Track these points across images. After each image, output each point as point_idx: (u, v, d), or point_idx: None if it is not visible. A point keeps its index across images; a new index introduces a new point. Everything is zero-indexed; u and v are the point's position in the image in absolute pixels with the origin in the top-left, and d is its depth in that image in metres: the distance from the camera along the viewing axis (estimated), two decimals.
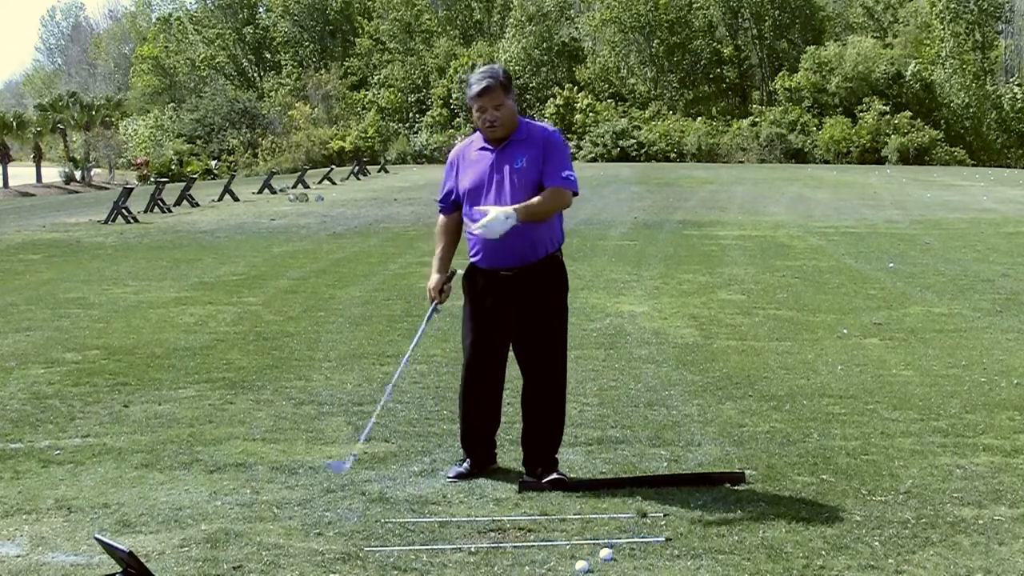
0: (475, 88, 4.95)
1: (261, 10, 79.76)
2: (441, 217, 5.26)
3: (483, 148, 5.07)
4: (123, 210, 22.36)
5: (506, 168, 4.96)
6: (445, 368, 7.59)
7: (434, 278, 5.18)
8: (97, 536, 3.97)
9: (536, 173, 4.96)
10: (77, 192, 52.45)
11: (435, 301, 5.19)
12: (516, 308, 5.02)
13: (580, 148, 59.07)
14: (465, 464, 5.20)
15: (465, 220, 5.11)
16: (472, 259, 5.09)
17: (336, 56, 74.78)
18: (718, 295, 11.26)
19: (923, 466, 5.30)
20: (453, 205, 5.18)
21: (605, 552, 4.14)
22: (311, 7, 75.81)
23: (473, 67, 65.05)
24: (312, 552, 4.20)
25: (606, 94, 66.08)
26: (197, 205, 27.16)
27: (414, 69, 70.44)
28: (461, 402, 5.25)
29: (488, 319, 5.07)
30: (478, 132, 5.13)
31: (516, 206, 4.84)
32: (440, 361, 7.85)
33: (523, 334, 5.07)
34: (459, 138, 61.99)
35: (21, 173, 64.92)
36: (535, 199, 4.90)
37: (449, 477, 5.13)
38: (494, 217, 4.80)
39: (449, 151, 5.39)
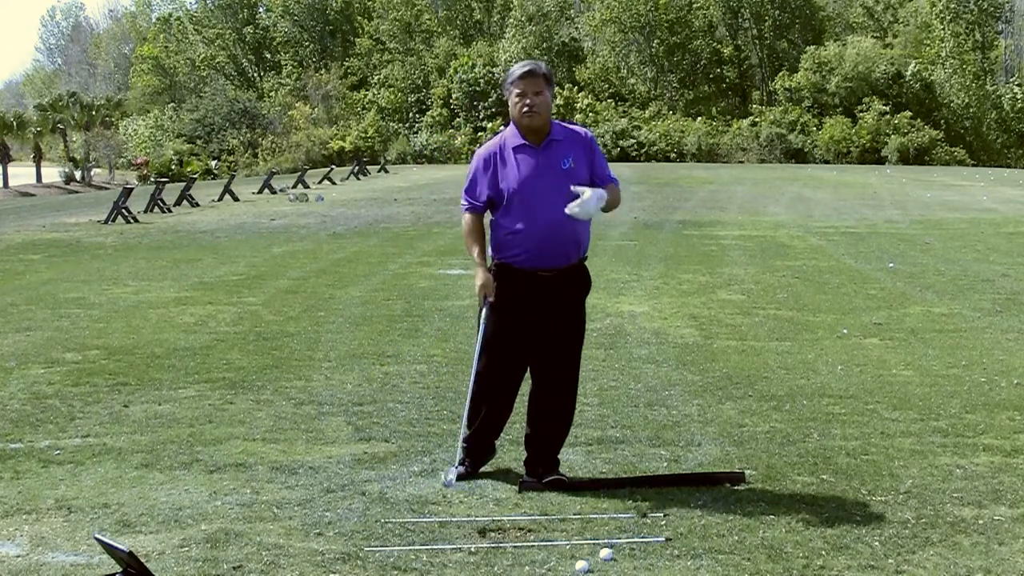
0: (518, 71, 4.92)
1: (261, 10, 79.76)
2: (470, 216, 5.02)
3: (520, 148, 4.94)
4: (123, 210, 22.36)
5: (554, 169, 4.90)
6: (445, 368, 7.59)
7: (483, 275, 4.93)
8: (97, 536, 3.97)
9: (585, 174, 4.95)
10: (77, 192, 52.45)
11: (488, 298, 4.94)
12: (547, 311, 4.95)
13: None
14: (466, 464, 5.17)
15: (498, 220, 4.98)
16: (507, 260, 4.94)
17: (336, 56, 74.77)
18: (718, 295, 11.26)
19: (923, 466, 5.30)
20: (485, 205, 4.99)
21: (605, 552, 4.14)
22: (311, 7, 75.80)
23: (473, 67, 65.29)
24: (312, 552, 4.20)
25: (606, 94, 66.10)
26: (197, 205, 27.15)
27: (414, 69, 70.44)
28: (473, 407, 5.11)
29: (518, 322, 4.96)
30: (507, 129, 5.04)
31: (603, 189, 4.86)
32: (440, 361, 7.86)
33: (549, 338, 4.99)
34: (459, 138, 62.24)
35: (21, 173, 64.94)
36: (614, 189, 5.00)
37: (449, 479, 5.11)
38: (589, 197, 4.78)
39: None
